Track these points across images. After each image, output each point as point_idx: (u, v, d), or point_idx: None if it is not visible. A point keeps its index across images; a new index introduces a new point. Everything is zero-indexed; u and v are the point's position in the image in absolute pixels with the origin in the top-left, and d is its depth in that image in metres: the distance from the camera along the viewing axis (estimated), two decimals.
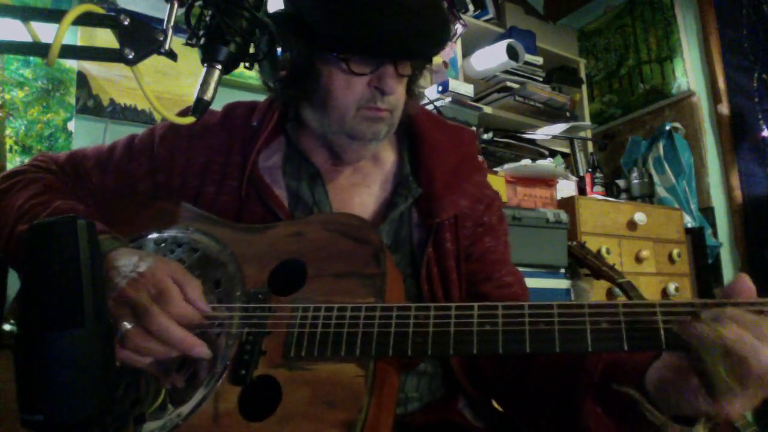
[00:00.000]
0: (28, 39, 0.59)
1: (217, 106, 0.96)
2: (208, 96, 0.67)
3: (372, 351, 0.65)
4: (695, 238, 2.63)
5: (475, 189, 0.97)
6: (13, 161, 1.81)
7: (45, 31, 0.60)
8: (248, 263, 0.78)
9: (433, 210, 0.91)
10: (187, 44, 0.70)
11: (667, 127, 2.85)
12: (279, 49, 0.82)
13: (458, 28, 2.64)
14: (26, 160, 1.82)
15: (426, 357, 0.88)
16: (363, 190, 0.96)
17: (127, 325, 0.65)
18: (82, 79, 1.95)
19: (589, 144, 2.98)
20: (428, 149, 0.96)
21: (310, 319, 0.69)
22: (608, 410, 0.71)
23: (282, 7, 0.87)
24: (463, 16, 2.69)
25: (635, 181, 2.80)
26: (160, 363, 0.69)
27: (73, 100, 1.92)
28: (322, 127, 0.90)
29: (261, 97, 1.03)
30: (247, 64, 0.72)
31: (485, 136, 2.49)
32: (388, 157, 0.99)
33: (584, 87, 3.16)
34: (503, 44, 2.60)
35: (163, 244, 0.84)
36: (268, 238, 0.81)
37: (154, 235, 0.86)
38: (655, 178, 2.83)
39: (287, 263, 0.77)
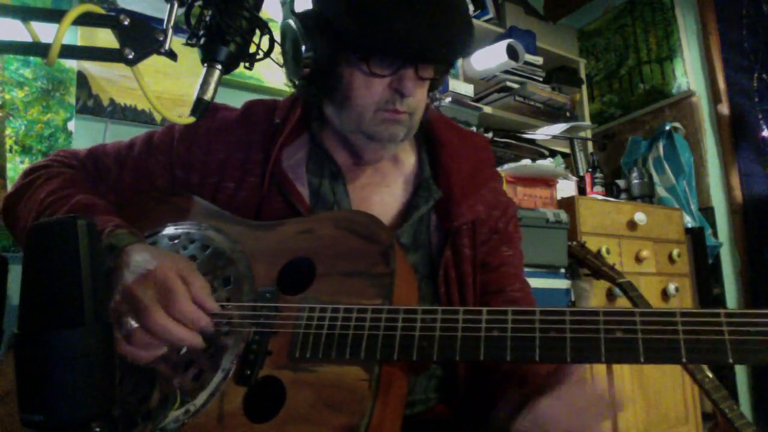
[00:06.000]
0: (28, 39, 0.59)
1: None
2: (208, 96, 0.67)
3: (377, 354, 0.64)
4: (695, 238, 2.63)
5: (491, 196, 0.97)
6: (13, 161, 1.81)
7: (45, 31, 0.60)
8: (258, 261, 0.78)
9: (451, 214, 0.92)
10: (187, 44, 0.70)
11: (667, 127, 2.85)
12: (303, 48, 0.82)
13: None
14: (26, 161, 1.83)
15: (431, 362, 0.86)
16: (383, 190, 0.96)
17: (133, 323, 0.65)
18: (82, 79, 1.95)
19: (589, 144, 2.98)
20: (446, 153, 0.97)
21: (316, 320, 0.68)
22: None
23: (309, 6, 0.87)
24: None
25: (635, 181, 2.80)
26: (167, 361, 0.69)
27: (73, 100, 1.92)
28: (342, 126, 0.90)
29: (260, 98, 1.03)
30: (247, 64, 0.73)
31: (485, 136, 2.49)
32: (409, 159, 1.00)
33: (584, 87, 3.16)
34: (503, 44, 2.60)
35: (176, 240, 0.84)
36: (278, 235, 0.81)
37: (168, 231, 0.86)
38: (655, 178, 2.82)
39: (297, 261, 0.76)
